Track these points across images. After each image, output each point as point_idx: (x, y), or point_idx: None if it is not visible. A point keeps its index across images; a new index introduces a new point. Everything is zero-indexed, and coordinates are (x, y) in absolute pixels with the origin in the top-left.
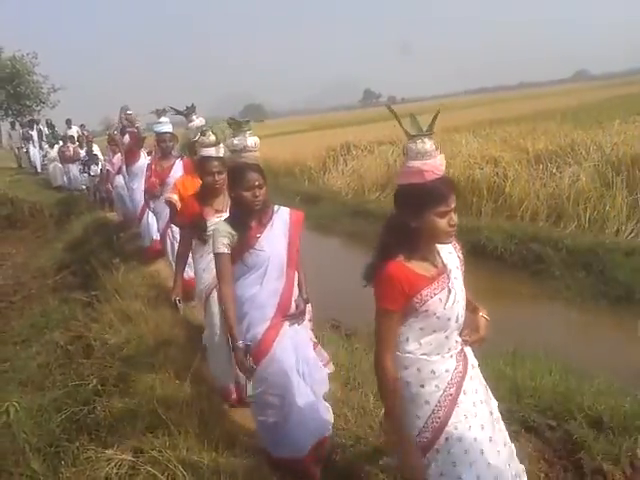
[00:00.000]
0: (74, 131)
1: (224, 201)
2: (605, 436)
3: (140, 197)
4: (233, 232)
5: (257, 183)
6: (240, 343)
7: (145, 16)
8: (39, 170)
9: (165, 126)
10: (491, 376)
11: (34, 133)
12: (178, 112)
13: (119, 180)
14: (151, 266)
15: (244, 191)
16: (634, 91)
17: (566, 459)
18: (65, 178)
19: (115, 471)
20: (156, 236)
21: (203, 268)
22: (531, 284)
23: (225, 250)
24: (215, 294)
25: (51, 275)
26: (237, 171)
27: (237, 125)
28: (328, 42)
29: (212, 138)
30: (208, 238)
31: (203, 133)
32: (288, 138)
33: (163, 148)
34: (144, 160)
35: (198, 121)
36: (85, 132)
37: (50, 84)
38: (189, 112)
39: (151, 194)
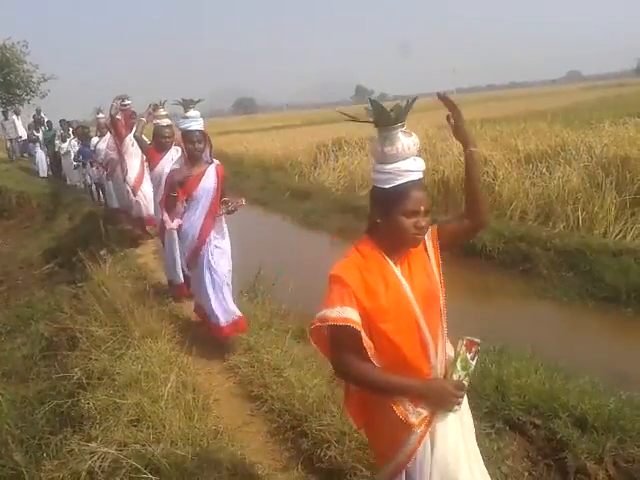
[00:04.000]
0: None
1: None
2: (589, 435)
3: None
4: None
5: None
6: None
7: (137, 8)
8: (43, 175)
9: (193, 122)
10: (477, 374)
11: (40, 135)
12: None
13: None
14: (139, 258)
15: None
16: (625, 92)
17: (550, 458)
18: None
19: (98, 464)
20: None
21: None
22: (519, 283)
23: None
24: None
25: (38, 266)
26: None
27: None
28: (322, 38)
29: None
30: None
31: None
32: (279, 133)
33: (191, 150)
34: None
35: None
36: (71, 126)
37: (40, 73)
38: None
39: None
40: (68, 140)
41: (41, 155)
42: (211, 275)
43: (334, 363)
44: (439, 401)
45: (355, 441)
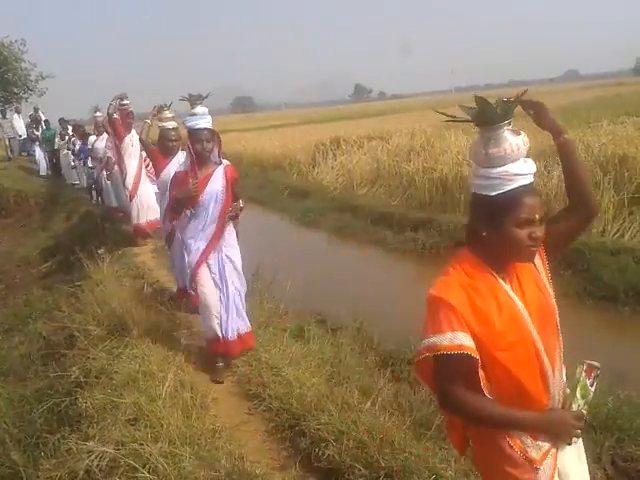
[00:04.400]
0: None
1: None
2: (587, 435)
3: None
4: None
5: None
6: None
7: (136, 6)
8: (43, 173)
9: (201, 120)
10: None
11: (39, 133)
12: None
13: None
14: (136, 257)
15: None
16: (623, 92)
17: None
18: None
19: (96, 463)
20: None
21: None
22: None
23: None
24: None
25: (35, 264)
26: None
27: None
28: (320, 37)
29: None
30: None
31: None
32: (278, 131)
33: (199, 151)
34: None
35: (520, 140)
36: (69, 125)
37: (38, 72)
38: None
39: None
40: (67, 139)
41: (40, 153)
42: (221, 288)
43: (442, 395)
44: (559, 434)
45: (353, 440)
